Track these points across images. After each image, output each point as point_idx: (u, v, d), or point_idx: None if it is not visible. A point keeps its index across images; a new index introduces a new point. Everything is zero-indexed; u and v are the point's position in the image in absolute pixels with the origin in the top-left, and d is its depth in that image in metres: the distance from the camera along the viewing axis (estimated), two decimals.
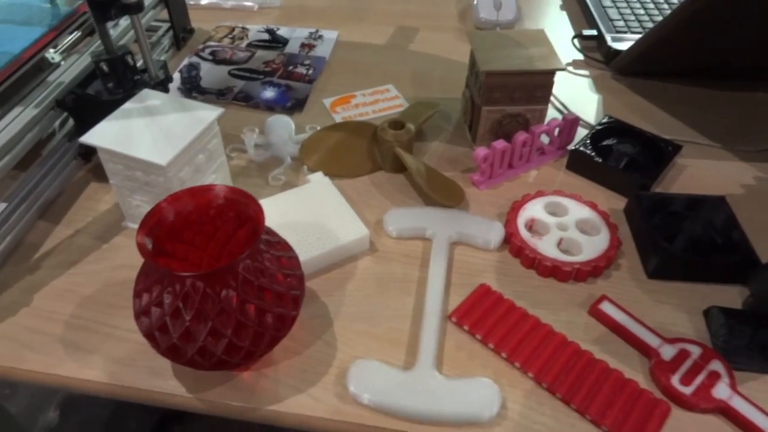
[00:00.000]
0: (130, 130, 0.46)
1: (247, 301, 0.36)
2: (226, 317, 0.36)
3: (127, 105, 0.48)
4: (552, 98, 0.68)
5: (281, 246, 0.41)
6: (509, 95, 0.57)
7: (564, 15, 0.89)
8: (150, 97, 0.49)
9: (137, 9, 0.50)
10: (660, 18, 0.80)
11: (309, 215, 0.51)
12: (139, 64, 0.56)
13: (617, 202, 0.56)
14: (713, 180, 0.59)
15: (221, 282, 0.35)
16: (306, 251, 0.48)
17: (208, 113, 0.48)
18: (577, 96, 0.71)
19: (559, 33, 0.83)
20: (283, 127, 0.61)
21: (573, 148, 0.59)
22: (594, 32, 0.78)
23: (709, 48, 0.67)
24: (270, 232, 0.41)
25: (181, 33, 0.76)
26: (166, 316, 0.36)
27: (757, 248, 0.48)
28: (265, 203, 0.52)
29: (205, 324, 0.35)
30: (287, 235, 0.48)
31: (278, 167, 0.58)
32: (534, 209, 0.53)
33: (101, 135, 0.46)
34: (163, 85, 0.57)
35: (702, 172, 0.60)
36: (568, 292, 0.48)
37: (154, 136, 0.46)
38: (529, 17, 0.86)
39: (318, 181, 0.55)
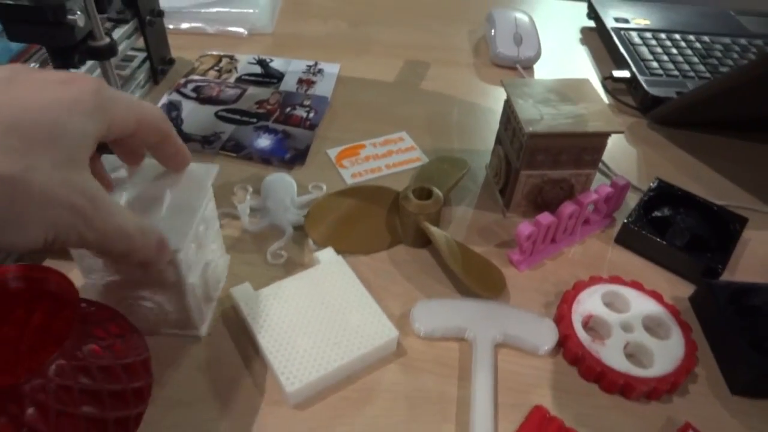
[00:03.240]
0: None
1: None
2: None
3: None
4: None
5: (111, 324, 0.33)
6: (554, 158, 0.49)
7: (584, 50, 0.81)
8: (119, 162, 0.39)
9: (109, 54, 0.40)
10: (696, 60, 0.73)
11: (322, 310, 0.41)
12: None
13: (680, 287, 0.48)
14: None
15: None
16: (322, 363, 0.38)
17: (203, 171, 0.38)
18: (612, 149, 0.61)
19: (581, 72, 0.76)
20: (283, 189, 0.51)
21: (625, 221, 0.50)
22: (626, 74, 0.70)
23: None
24: (86, 306, 0.33)
25: (160, 65, 0.65)
26: None
27: None
28: (269, 292, 0.42)
29: None
30: (299, 339, 0.39)
31: (278, 239, 0.48)
32: (590, 302, 0.44)
33: None
34: None
35: None
36: (640, 415, 0.39)
37: (147, 210, 0.35)
38: (547, 52, 0.78)
39: (329, 261, 0.45)
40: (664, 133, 0.66)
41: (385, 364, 0.41)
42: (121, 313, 0.35)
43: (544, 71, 0.75)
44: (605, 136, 0.48)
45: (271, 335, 0.40)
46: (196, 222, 0.35)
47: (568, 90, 0.51)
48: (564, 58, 0.79)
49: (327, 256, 0.46)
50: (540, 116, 0.48)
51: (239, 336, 0.42)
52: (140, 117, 0.30)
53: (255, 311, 0.41)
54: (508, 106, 0.51)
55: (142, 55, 0.64)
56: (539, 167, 0.49)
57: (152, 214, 0.35)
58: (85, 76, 0.28)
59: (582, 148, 0.49)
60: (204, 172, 0.38)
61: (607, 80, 0.71)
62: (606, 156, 0.60)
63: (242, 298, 0.42)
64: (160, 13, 0.62)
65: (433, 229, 0.46)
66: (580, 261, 0.50)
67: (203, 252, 0.39)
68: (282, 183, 0.52)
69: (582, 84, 0.52)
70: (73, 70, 0.29)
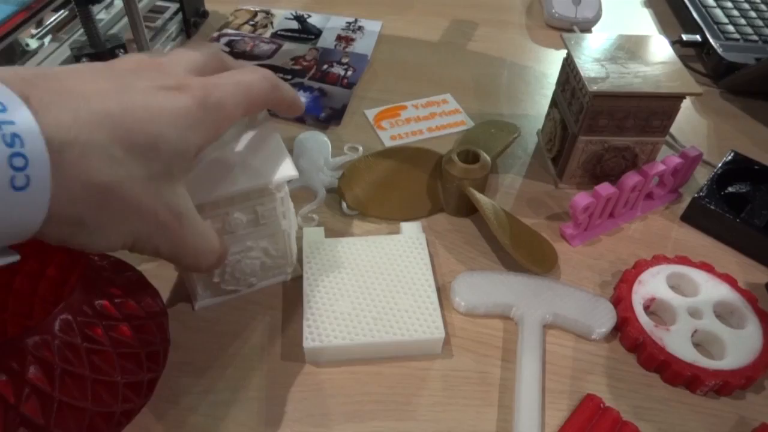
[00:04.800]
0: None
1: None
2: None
3: None
4: None
5: (127, 281, 0.30)
6: (618, 123, 0.44)
7: (647, 13, 0.74)
8: None
9: None
10: None
11: (379, 281, 0.38)
12: None
13: (756, 273, 0.43)
14: None
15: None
16: (352, 332, 0.35)
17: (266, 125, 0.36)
18: (680, 119, 0.55)
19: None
20: (317, 148, 0.48)
21: (695, 196, 0.45)
22: (697, 38, 0.64)
23: None
24: (100, 260, 0.31)
25: (193, 17, 0.62)
26: None
27: None
28: (336, 244, 0.40)
29: None
30: (341, 299, 0.36)
31: (310, 202, 0.45)
32: (654, 284, 0.39)
33: None
34: None
35: None
36: (708, 412, 0.35)
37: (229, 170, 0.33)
38: (607, 14, 0.71)
39: (410, 234, 0.41)
40: (739, 103, 0.59)
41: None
42: (139, 270, 0.32)
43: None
44: (680, 98, 0.43)
45: (317, 286, 0.37)
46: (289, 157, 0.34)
47: (639, 47, 0.45)
48: (626, 21, 0.72)
49: (411, 229, 0.42)
50: (605, 74, 0.42)
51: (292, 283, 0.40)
52: (248, 102, 0.28)
53: (315, 257, 0.39)
54: (568, 63, 0.46)
55: (174, 7, 0.61)
56: (600, 133, 0.44)
57: (237, 171, 0.32)
58: (195, 84, 0.26)
59: (651, 112, 0.43)
60: (266, 126, 0.36)
61: (675, 44, 0.64)
62: (672, 127, 0.54)
63: (309, 241, 0.40)
64: None
65: (479, 196, 0.42)
66: (641, 238, 0.45)
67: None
68: (316, 142, 0.48)
69: (654, 41, 0.46)
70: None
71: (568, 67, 0.46)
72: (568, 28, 0.68)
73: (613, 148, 0.45)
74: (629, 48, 0.45)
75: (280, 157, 0.33)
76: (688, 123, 0.57)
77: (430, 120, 0.54)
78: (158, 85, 0.25)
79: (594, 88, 0.41)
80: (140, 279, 0.31)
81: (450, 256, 0.42)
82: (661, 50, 0.45)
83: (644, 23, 0.72)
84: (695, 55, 0.65)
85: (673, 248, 0.44)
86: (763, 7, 0.68)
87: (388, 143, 0.51)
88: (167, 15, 0.60)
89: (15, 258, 0.21)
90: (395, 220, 0.44)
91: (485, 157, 0.44)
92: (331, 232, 0.43)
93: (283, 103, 0.32)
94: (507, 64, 0.63)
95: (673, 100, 0.43)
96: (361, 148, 0.50)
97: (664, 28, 0.71)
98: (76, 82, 0.22)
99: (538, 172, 0.50)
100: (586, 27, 0.69)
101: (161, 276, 0.38)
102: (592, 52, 0.45)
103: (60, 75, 0.22)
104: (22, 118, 0.19)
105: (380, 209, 0.44)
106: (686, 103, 0.59)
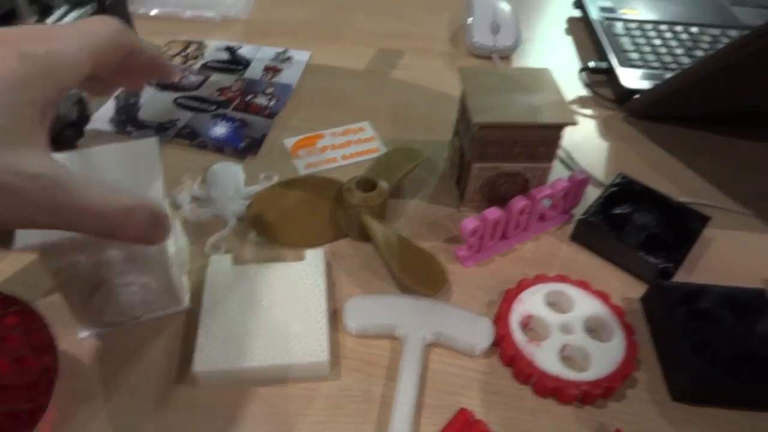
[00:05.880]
0: None
1: None
2: None
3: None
4: None
5: (9, 316, 0.32)
6: (506, 151, 0.47)
7: (569, 40, 0.78)
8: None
9: None
10: (680, 52, 0.70)
11: (275, 307, 0.40)
12: None
13: (634, 287, 0.46)
14: (745, 259, 0.49)
15: None
16: (241, 357, 0.37)
17: (144, 145, 0.37)
18: (583, 142, 0.60)
19: (563, 62, 0.73)
20: (228, 178, 0.50)
21: (581, 217, 0.48)
22: (604, 65, 0.68)
23: (745, 96, 0.57)
24: None
25: None
26: None
27: None
28: (242, 272, 0.42)
29: None
30: (236, 325, 0.39)
31: (221, 230, 0.47)
32: (532, 301, 0.42)
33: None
34: (76, 127, 0.45)
35: (731, 247, 0.50)
36: (570, 420, 0.37)
37: None
38: (530, 42, 0.76)
39: (312, 261, 0.44)
40: (641, 127, 0.63)
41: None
42: (24, 301, 0.34)
43: (522, 62, 0.73)
44: (559, 128, 0.46)
45: (215, 312, 0.39)
46: (163, 187, 0.34)
47: (527, 79, 0.49)
48: (546, 49, 0.76)
49: (313, 256, 0.44)
50: (491, 106, 0.46)
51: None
52: (93, 48, 0.27)
53: (216, 284, 0.41)
54: (463, 95, 0.49)
55: None
56: (492, 160, 0.47)
57: None
58: (12, 37, 0.24)
59: (536, 141, 0.46)
60: (146, 145, 0.37)
61: (584, 71, 0.68)
62: (576, 150, 0.58)
63: (214, 268, 0.42)
64: None
65: (372, 223, 0.44)
66: (531, 258, 0.48)
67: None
68: (227, 172, 0.50)
69: (541, 74, 0.50)
70: None
71: (464, 99, 0.49)
72: (488, 56, 0.72)
73: (505, 174, 0.48)
74: (518, 80, 0.49)
75: (152, 181, 0.34)
76: (592, 146, 0.60)
77: (346, 148, 0.57)
78: None
79: (478, 119, 0.44)
80: (27, 312, 0.33)
81: (349, 280, 0.45)
82: (546, 82, 0.49)
83: (564, 50, 0.76)
84: (605, 81, 0.69)
85: (561, 267, 0.47)
86: (668, 35, 0.72)
87: (303, 171, 0.54)
88: None
89: None
90: (301, 248, 0.46)
91: (382, 184, 0.47)
92: (240, 260, 0.46)
93: (139, 52, 0.30)
94: (427, 91, 0.67)
95: (554, 129, 0.46)
96: (276, 177, 0.53)
97: (582, 54, 0.75)
98: None
99: (443, 196, 0.53)
100: (505, 54, 0.73)
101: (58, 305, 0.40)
102: (483, 84, 0.48)
103: None
104: None
105: (286, 237, 0.47)
106: (591, 127, 0.63)
